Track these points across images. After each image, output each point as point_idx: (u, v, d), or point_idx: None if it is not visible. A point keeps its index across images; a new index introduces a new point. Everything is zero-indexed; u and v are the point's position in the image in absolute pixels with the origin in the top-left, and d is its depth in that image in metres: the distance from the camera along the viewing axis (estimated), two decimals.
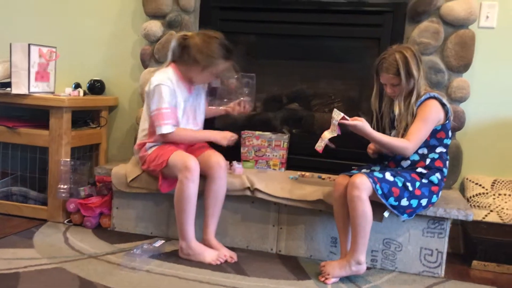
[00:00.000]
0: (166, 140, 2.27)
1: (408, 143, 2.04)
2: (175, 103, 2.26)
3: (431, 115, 2.08)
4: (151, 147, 2.34)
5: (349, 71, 2.88)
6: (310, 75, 2.96)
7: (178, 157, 2.19)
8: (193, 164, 2.14)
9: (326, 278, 2.04)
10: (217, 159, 2.27)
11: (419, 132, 2.06)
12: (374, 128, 2.11)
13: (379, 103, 2.27)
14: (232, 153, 2.59)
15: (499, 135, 2.58)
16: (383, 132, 2.21)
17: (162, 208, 2.50)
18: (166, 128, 2.21)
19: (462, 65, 2.45)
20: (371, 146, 2.31)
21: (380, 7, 2.54)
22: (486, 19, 2.54)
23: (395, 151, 2.10)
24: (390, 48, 2.18)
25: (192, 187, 2.14)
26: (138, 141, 2.40)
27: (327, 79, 2.95)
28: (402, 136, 2.10)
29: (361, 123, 2.02)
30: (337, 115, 2.06)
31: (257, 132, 2.65)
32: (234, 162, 2.52)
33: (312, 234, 2.34)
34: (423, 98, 2.10)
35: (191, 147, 2.39)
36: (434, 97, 2.10)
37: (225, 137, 2.28)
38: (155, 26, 2.77)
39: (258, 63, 3.05)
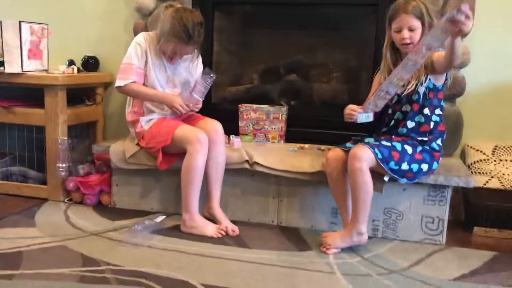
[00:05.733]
0: (121, 92, 2.35)
1: None
2: (143, 63, 2.30)
3: None
4: (147, 122, 2.33)
5: (347, 40, 2.83)
6: (307, 45, 2.91)
7: (187, 130, 2.21)
8: (203, 137, 2.17)
9: (327, 249, 2.05)
10: (213, 125, 2.29)
11: None
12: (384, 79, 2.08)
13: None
14: (230, 127, 2.57)
15: (499, 100, 2.55)
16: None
17: (162, 184, 2.49)
18: (118, 82, 2.28)
19: None
20: (353, 108, 2.14)
21: None
22: None
23: (457, 56, 1.90)
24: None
25: (201, 160, 2.16)
26: (127, 112, 2.43)
27: (325, 48, 2.90)
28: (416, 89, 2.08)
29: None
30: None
31: (255, 105, 2.62)
32: (232, 136, 2.50)
33: (313, 205, 2.34)
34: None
35: (186, 119, 2.37)
36: None
37: (173, 101, 2.26)
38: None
39: (255, 33, 3.01)
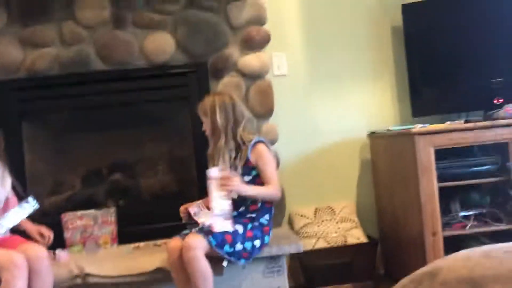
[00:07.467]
0: None
1: (273, 189, 2.19)
2: None
3: (270, 156, 2.24)
4: None
5: (166, 132, 2.91)
6: (128, 143, 2.91)
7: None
8: (20, 259, 1.93)
9: None
10: (35, 252, 2.04)
11: (273, 175, 2.22)
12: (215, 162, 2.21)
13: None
14: (54, 240, 2.36)
15: (310, 167, 2.85)
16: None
17: None
18: None
19: (266, 112, 2.66)
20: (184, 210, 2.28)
21: (182, 68, 2.64)
22: (278, 68, 2.83)
23: (268, 199, 2.22)
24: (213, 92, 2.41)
25: (20, 286, 1.91)
26: None
27: (147, 144, 2.93)
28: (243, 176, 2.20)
29: (234, 186, 2.09)
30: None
31: (80, 212, 2.48)
32: (58, 250, 2.30)
33: None
34: (253, 142, 2.22)
35: (2, 245, 2.11)
36: (262, 142, 2.26)
37: None
38: None
39: (71, 139, 2.91)
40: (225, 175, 2.11)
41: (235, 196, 2.15)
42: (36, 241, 2.17)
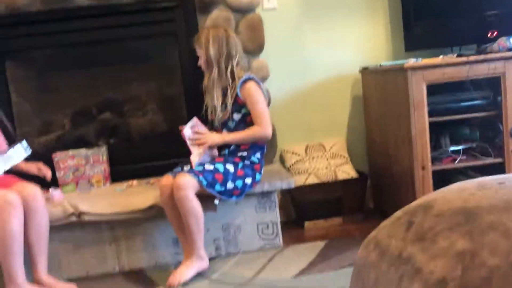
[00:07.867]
0: None
1: (260, 128, 2.19)
2: None
3: (259, 95, 2.22)
4: None
5: (154, 70, 2.85)
6: (116, 81, 2.85)
7: None
8: (14, 198, 1.94)
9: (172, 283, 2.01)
10: (31, 190, 2.06)
11: (262, 113, 2.20)
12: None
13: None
14: (45, 180, 2.37)
15: (302, 104, 2.82)
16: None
17: None
18: None
19: (256, 47, 2.60)
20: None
21: (169, 2, 2.54)
22: (268, 1, 2.73)
23: (255, 140, 2.23)
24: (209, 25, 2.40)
25: (16, 223, 1.93)
26: None
27: (135, 81, 2.88)
28: (233, 112, 2.22)
29: (207, 142, 2.16)
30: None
31: (71, 151, 2.47)
32: (51, 189, 2.31)
33: (152, 241, 2.28)
34: (242, 79, 2.19)
35: None
36: (252, 79, 2.23)
37: None
38: None
39: (57, 77, 2.84)
40: (196, 131, 2.17)
41: (216, 153, 2.22)
42: (32, 180, 2.17)
